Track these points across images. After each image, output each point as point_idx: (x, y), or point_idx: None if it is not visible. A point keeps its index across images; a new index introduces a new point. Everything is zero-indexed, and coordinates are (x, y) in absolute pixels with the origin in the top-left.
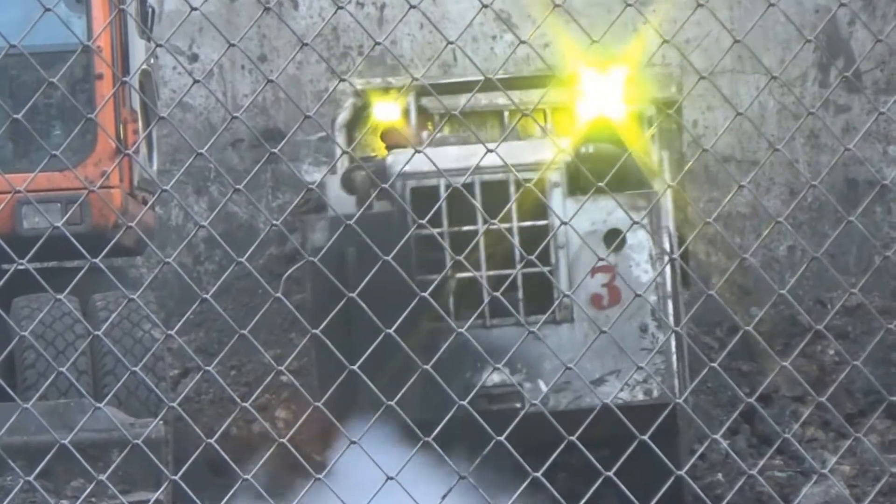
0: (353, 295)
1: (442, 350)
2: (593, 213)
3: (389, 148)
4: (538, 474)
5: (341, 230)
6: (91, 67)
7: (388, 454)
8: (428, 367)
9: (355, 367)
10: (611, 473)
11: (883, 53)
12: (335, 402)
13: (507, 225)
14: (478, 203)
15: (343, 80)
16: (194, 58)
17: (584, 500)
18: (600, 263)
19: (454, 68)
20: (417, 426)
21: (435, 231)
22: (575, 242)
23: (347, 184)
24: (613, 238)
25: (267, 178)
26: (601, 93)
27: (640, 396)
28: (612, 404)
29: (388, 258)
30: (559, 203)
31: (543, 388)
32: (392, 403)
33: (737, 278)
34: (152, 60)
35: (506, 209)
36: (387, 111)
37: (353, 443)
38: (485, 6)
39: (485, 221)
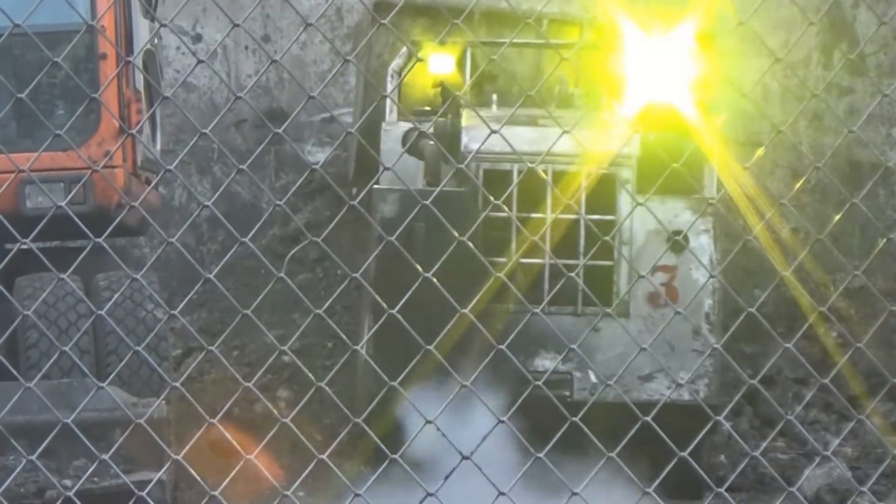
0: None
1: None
2: (660, 212)
3: (444, 96)
4: (541, 455)
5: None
6: (95, 47)
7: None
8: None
9: (356, 349)
10: (613, 454)
11: (887, 36)
12: (389, 374)
13: (573, 216)
14: (548, 191)
15: (347, 61)
16: (198, 38)
17: (585, 483)
18: (661, 263)
19: None
20: (467, 402)
21: (504, 215)
22: (638, 240)
23: (413, 148)
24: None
25: (270, 159)
26: (659, 64)
27: (686, 396)
28: (659, 401)
29: (465, 238)
30: (627, 200)
31: (593, 378)
32: (468, 384)
33: (740, 260)
34: (156, 40)
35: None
36: (441, 63)
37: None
38: None
39: (554, 210)
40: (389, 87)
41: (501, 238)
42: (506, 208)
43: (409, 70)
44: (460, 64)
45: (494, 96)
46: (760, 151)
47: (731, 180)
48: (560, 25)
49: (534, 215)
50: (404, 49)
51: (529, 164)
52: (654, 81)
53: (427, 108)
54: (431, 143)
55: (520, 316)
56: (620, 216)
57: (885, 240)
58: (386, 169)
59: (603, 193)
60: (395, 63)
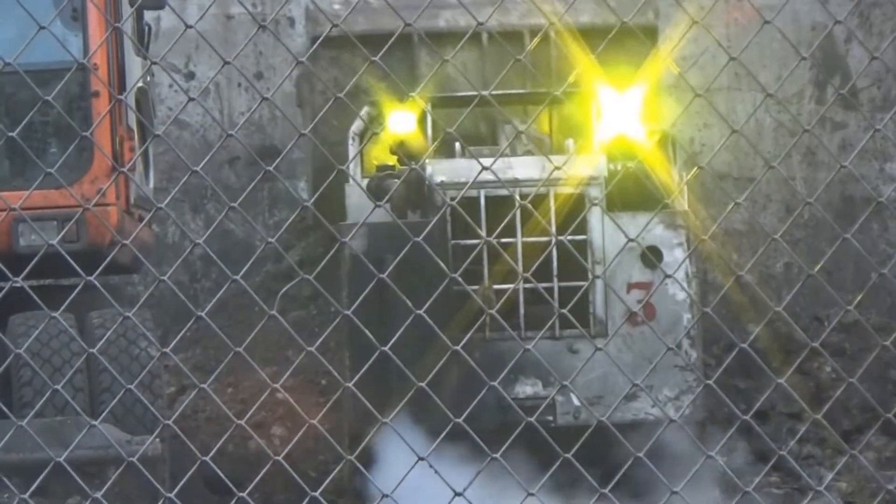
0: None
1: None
2: (630, 229)
3: (401, 160)
4: (533, 492)
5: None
6: (87, 85)
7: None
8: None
9: (349, 385)
10: (606, 490)
11: (879, 70)
12: (367, 408)
13: (545, 238)
14: (517, 215)
15: (338, 98)
16: (191, 75)
17: None
18: (637, 279)
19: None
20: (448, 434)
21: (475, 242)
22: (612, 257)
23: (378, 191)
24: (650, 255)
25: (263, 196)
26: (619, 111)
27: (672, 413)
28: (644, 420)
29: (456, 275)
30: (597, 219)
31: (576, 401)
32: (460, 421)
33: (733, 295)
34: (148, 78)
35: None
36: (402, 121)
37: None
38: (480, 24)
39: (524, 235)
40: (351, 150)
41: (473, 265)
42: (487, 237)
43: (371, 136)
44: (421, 121)
45: (457, 145)
46: (732, 206)
47: (697, 222)
48: (502, 38)
49: (505, 240)
50: (364, 110)
51: (520, 203)
52: (621, 118)
53: (390, 164)
54: (395, 181)
55: (496, 343)
56: (592, 235)
57: (878, 274)
58: (377, 206)
59: (573, 214)
60: (356, 125)
